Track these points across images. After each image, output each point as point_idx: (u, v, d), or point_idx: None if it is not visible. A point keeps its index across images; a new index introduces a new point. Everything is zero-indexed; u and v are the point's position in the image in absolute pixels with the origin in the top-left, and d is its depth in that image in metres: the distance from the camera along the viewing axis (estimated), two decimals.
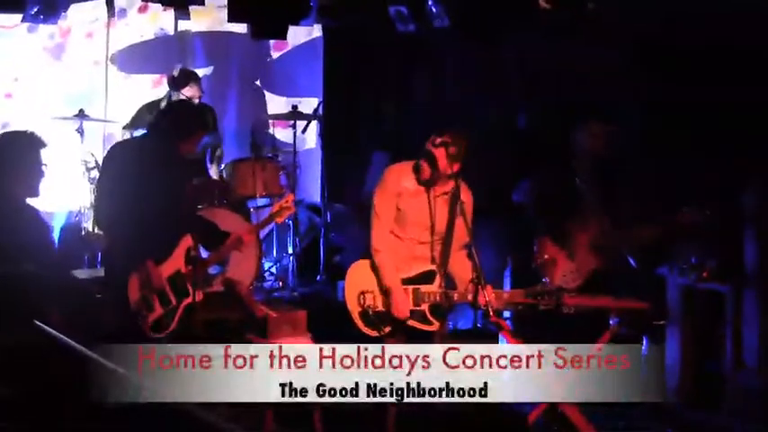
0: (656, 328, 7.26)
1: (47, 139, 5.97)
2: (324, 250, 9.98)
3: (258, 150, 9.26)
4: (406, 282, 6.40)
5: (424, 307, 6.38)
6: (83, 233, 8.86)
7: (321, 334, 6.45)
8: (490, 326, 7.19)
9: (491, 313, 6.23)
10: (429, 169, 6.36)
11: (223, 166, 9.30)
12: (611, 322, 6.84)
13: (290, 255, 9.67)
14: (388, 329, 6.34)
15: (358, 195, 9.98)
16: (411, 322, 6.37)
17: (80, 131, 9.35)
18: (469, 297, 6.31)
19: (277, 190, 9.15)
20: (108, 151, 6.54)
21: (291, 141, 9.93)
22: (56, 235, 8.88)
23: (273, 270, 9.91)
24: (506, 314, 7.27)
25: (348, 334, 6.19)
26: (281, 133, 10.77)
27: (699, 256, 7.24)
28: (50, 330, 4.69)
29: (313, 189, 10.82)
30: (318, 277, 9.87)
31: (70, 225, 9.21)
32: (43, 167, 5.93)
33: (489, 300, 6.11)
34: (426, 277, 6.43)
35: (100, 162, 8.87)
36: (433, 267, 6.44)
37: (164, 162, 6.30)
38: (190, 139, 6.41)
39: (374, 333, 6.28)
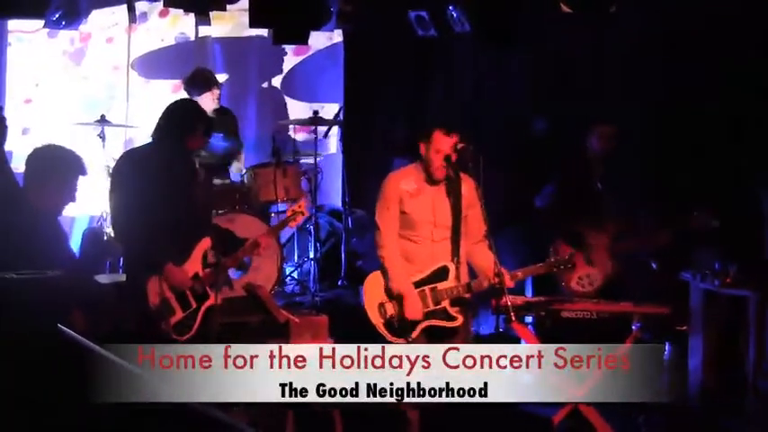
0: (679, 334, 7.24)
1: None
2: (345, 255, 9.99)
3: (279, 156, 9.24)
4: (421, 282, 6.35)
5: (445, 304, 6.34)
6: (105, 238, 8.90)
7: (343, 339, 6.43)
8: (512, 331, 7.17)
9: (513, 318, 6.21)
10: (426, 166, 6.33)
11: (244, 171, 9.31)
12: (633, 327, 6.82)
13: (312, 260, 9.66)
14: (416, 334, 6.30)
15: None
16: (434, 321, 6.34)
17: (101, 137, 9.36)
18: (485, 284, 6.29)
19: (298, 195, 9.15)
20: (117, 161, 6.56)
21: (312, 146, 9.94)
22: (78, 240, 8.96)
23: (295, 275, 9.91)
24: (528, 319, 7.25)
25: (369, 339, 6.17)
26: (303, 138, 10.79)
27: (721, 261, 7.22)
28: (74, 334, 4.70)
29: (334, 194, 10.82)
30: (340, 282, 9.88)
31: (93, 230, 9.24)
32: (75, 193, 6.04)
33: (508, 293, 6.11)
34: (440, 273, 6.36)
35: None
36: (446, 263, 6.38)
37: (172, 162, 6.32)
38: (193, 133, 6.42)
39: (402, 341, 6.25)
